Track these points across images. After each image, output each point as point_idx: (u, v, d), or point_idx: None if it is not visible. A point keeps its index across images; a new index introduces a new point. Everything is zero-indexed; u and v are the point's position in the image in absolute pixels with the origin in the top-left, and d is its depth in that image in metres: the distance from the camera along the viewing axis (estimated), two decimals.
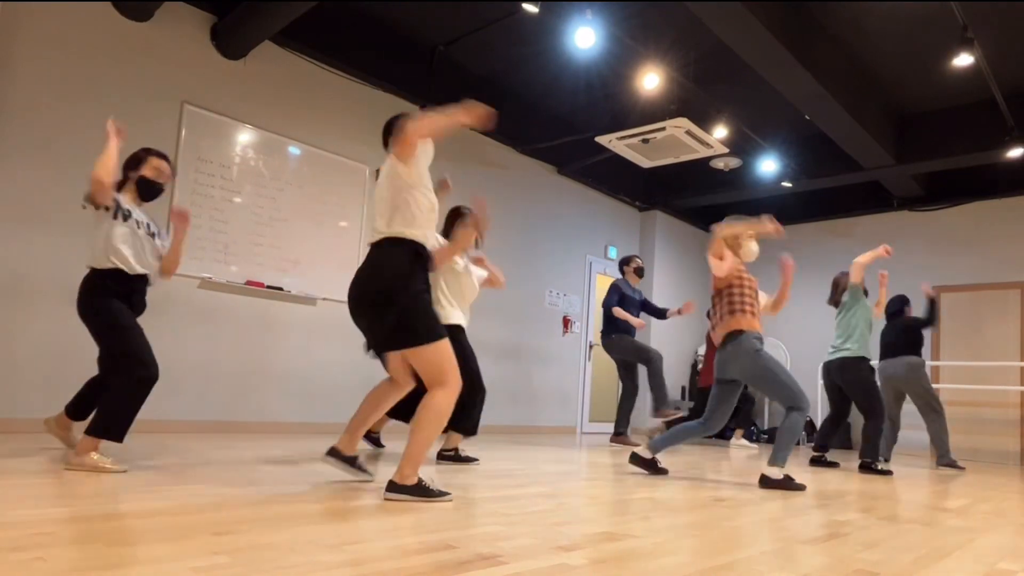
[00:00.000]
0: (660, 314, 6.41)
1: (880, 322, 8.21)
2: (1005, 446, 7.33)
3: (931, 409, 5.56)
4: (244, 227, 5.13)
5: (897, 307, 5.65)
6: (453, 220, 3.92)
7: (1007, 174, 7.49)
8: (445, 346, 2.39)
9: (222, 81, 5.08)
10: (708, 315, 4.03)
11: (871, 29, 5.57)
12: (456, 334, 3.83)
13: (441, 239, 3.73)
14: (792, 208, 9.08)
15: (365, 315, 2.43)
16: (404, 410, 3.91)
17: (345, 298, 5.43)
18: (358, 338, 5.78)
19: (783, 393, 3.51)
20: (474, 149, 6.94)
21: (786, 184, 7.80)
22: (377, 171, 2.79)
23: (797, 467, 4.97)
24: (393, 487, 2.35)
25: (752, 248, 3.89)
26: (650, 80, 5.52)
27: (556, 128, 7.43)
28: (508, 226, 7.26)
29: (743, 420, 7.45)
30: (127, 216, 2.99)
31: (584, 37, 4.89)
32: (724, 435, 8.29)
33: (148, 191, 3.11)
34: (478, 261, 4.11)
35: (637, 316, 6.26)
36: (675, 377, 9.13)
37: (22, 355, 4.10)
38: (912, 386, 5.53)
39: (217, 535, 1.64)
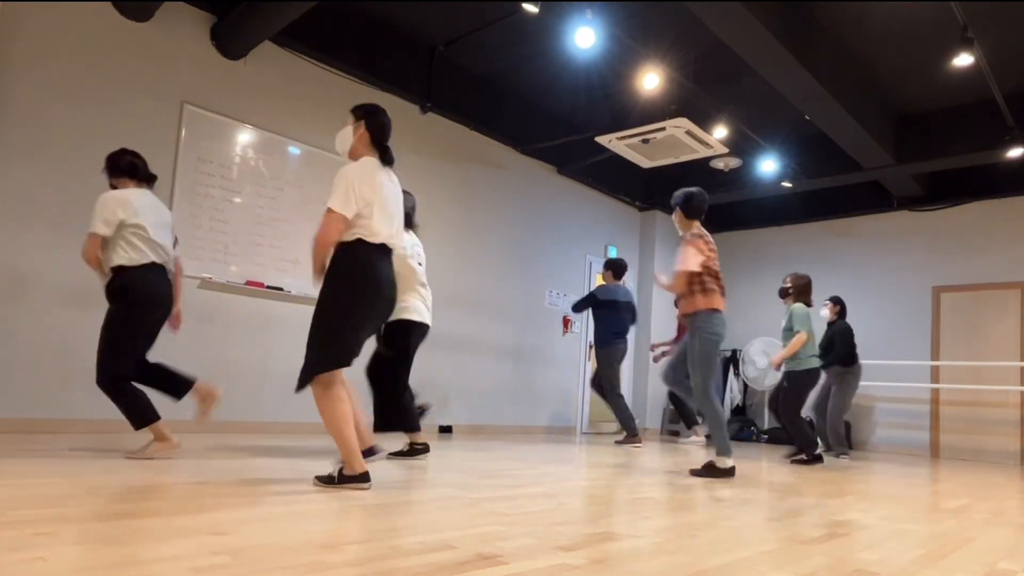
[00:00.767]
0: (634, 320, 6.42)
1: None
2: (1005, 446, 7.33)
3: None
4: (244, 227, 5.13)
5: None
6: None
7: (1007, 174, 7.49)
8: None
9: (222, 81, 5.08)
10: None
11: (871, 29, 5.57)
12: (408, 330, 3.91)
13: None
14: (792, 208, 9.08)
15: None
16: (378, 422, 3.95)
17: None
18: None
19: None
20: (474, 149, 6.94)
21: (786, 184, 7.80)
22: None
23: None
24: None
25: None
26: (650, 80, 5.52)
27: (556, 128, 7.43)
28: (508, 226, 7.26)
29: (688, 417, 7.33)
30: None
31: (584, 37, 4.89)
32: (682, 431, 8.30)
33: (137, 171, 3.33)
34: None
35: (627, 318, 6.26)
36: None
37: (22, 355, 4.10)
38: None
39: (217, 535, 1.64)
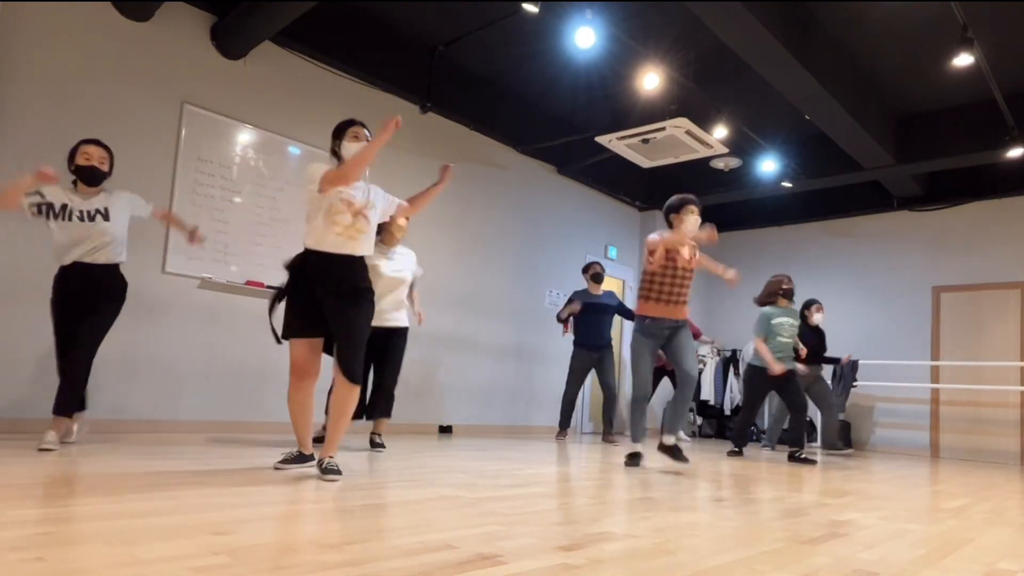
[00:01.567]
0: (631, 316, 6.47)
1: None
2: (1005, 446, 7.33)
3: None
4: (244, 227, 5.13)
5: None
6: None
7: (1007, 174, 7.49)
8: (289, 346, 2.96)
9: (222, 81, 5.08)
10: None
11: (871, 29, 5.57)
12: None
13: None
14: (792, 208, 9.08)
15: None
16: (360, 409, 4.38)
17: None
18: None
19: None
20: (474, 149, 6.94)
21: (786, 184, 7.80)
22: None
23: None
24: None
25: (694, 221, 4.08)
26: (650, 80, 5.52)
27: (556, 128, 7.43)
28: (508, 226, 7.26)
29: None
30: (59, 212, 3.33)
31: (584, 37, 4.89)
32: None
33: (85, 176, 3.39)
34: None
35: (608, 321, 6.35)
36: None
37: (23, 355, 4.10)
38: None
39: (217, 535, 1.64)
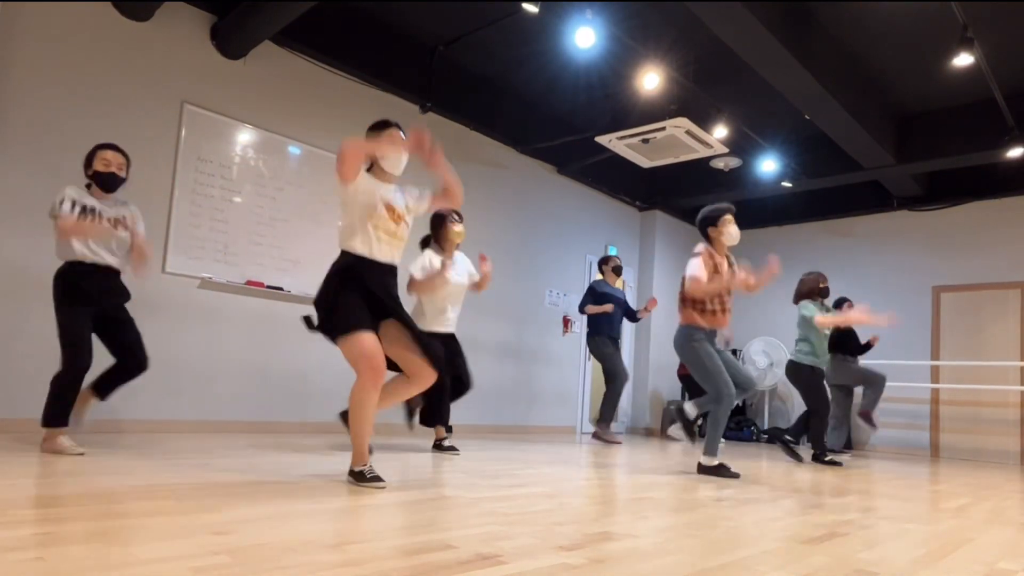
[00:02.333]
0: (633, 317, 6.47)
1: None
2: (1005, 446, 7.33)
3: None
4: (244, 227, 5.13)
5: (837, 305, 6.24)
6: (438, 223, 4.48)
7: (1007, 174, 7.48)
8: (352, 341, 2.64)
9: (222, 81, 5.08)
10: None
11: (871, 29, 5.57)
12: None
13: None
14: (792, 208, 9.08)
15: None
16: (425, 415, 4.41)
17: None
18: None
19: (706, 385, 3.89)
20: (474, 149, 6.94)
21: (786, 184, 7.80)
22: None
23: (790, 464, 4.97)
24: (350, 475, 2.73)
25: (732, 231, 4.05)
26: (650, 80, 5.52)
27: (556, 128, 7.43)
28: (508, 226, 7.26)
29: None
30: (89, 212, 3.30)
31: (584, 37, 4.89)
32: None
33: (104, 183, 3.38)
34: (481, 259, 4.35)
35: (620, 316, 6.35)
36: (671, 376, 9.11)
37: (23, 354, 4.10)
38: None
39: (217, 535, 1.64)
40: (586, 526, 2.06)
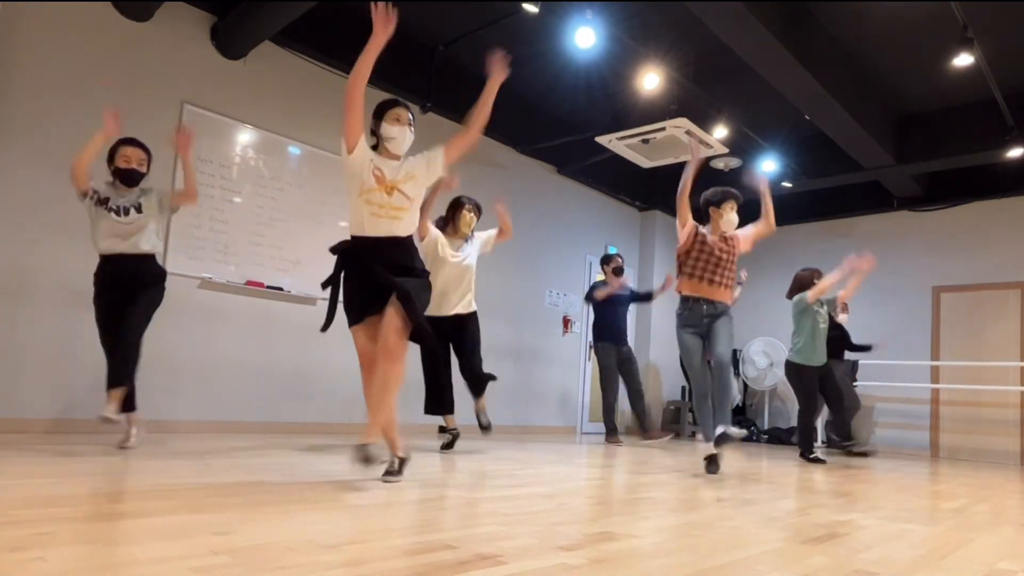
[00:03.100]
0: (647, 298, 6.48)
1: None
2: (1005, 446, 7.33)
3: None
4: (244, 227, 5.13)
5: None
6: (453, 208, 4.49)
7: (1007, 174, 7.48)
8: (353, 336, 2.76)
9: (222, 81, 5.08)
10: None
11: (871, 29, 5.57)
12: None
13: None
14: (792, 208, 9.08)
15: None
16: (432, 405, 4.52)
17: None
18: None
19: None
20: (474, 149, 6.93)
21: (786, 184, 7.80)
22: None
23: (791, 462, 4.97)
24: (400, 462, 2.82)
25: (731, 219, 4.13)
26: (650, 80, 5.52)
27: (556, 128, 7.43)
28: None
29: None
30: (101, 201, 3.49)
31: (584, 37, 4.89)
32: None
33: (125, 179, 3.55)
34: (497, 208, 4.62)
35: (623, 312, 6.35)
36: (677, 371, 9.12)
37: (24, 354, 4.10)
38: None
39: (217, 535, 1.64)
40: (586, 526, 2.06)
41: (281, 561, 1.43)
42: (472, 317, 4.53)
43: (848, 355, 7.03)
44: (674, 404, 8.86)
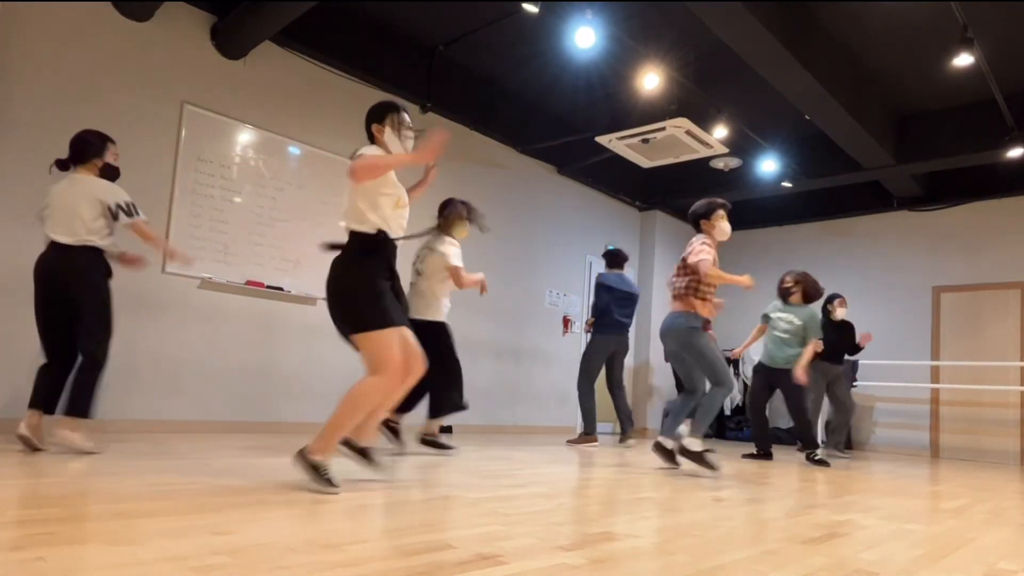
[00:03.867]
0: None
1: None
2: (1005, 446, 7.33)
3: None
4: (244, 227, 5.13)
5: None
6: (449, 209, 4.39)
7: (1007, 174, 7.48)
8: (388, 335, 2.46)
9: (222, 81, 5.08)
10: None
11: (871, 29, 5.57)
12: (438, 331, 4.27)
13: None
14: (792, 208, 9.08)
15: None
16: (406, 403, 4.24)
17: None
18: None
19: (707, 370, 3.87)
20: (474, 149, 6.94)
21: (786, 184, 7.80)
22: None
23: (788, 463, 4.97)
24: (300, 455, 2.47)
25: (724, 227, 4.09)
26: (650, 80, 5.52)
27: (556, 128, 7.43)
28: (508, 226, 7.26)
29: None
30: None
31: (584, 37, 4.89)
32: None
33: (113, 176, 3.52)
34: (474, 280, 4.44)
35: (631, 306, 6.31)
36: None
37: (23, 355, 4.10)
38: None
39: (217, 535, 1.64)
40: (586, 526, 2.06)
41: (281, 561, 1.43)
42: (435, 327, 4.44)
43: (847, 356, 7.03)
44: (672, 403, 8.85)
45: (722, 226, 4.03)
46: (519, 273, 7.36)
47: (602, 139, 6.51)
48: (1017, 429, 7.28)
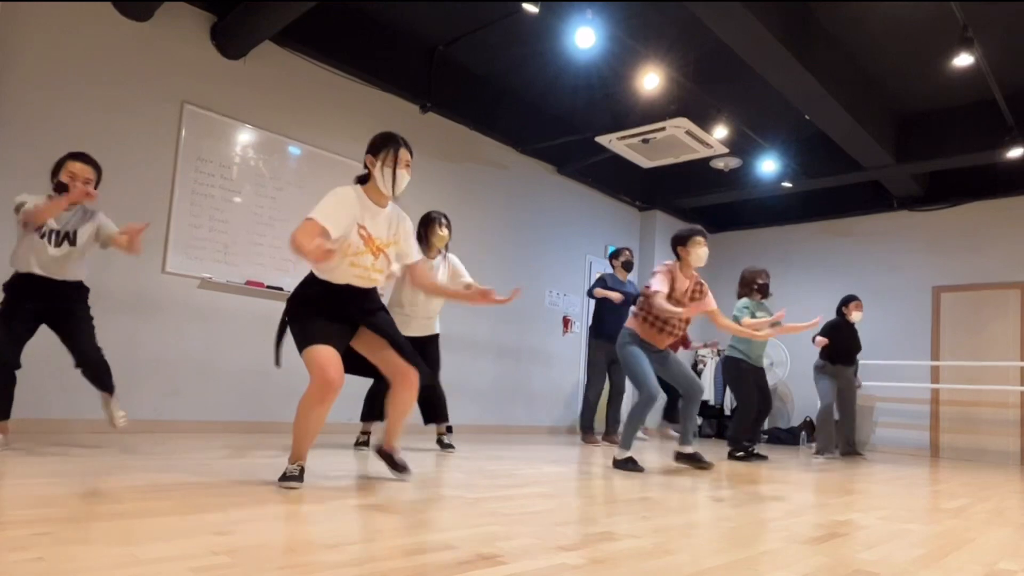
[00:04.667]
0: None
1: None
2: (1005, 446, 7.33)
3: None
4: (244, 227, 5.13)
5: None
6: (424, 225, 4.38)
7: (1007, 174, 7.48)
8: (310, 353, 2.53)
9: (222, 81, 5.08)
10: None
11: (871, 29, 5.57)
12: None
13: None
14: (792, 208, 9.08)
15: None
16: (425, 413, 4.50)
17: None
18: None
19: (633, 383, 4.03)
20: (474, 149, 6.94)
21: (786, 184, 7.80)
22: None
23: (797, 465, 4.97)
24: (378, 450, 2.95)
25: (701, 253, 4.28)
26: (650, 80, 5.52)
27: (556, 128, 7.43)
28: (508, 226, 7.26)
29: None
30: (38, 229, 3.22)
31: (584, 37, 4.89)
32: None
33: (61, 191, 3.22)
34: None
35: (625, 311, 6.30)
36: None
37: (24, 355, 4.09)
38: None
39: (217, 535, 1.64)
40: (586, 526, 2.06)
41: (281, 561, 1.43)
42: (436, 339, 4.50)
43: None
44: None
45: (698, 252, 4.24)
46: (519, 273, 7.36)
47: (602, 139, 6.51)
48: (1017, 429, 7.28)
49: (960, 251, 7.89)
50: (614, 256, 6.40)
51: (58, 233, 3.26)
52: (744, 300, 5.55)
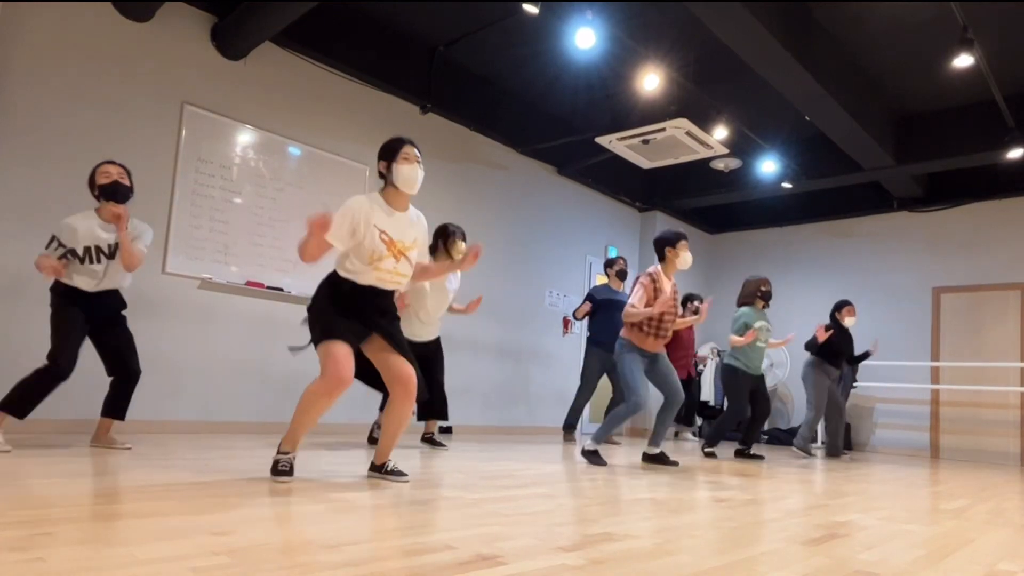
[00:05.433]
0: None
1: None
2: (1005, 446, 7.33)
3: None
4: (244, 227, 5.13)
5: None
6: (441, 236, 4.57)
7: (1007, 174, 7.49)
8: (326, 347, 2.63)
9: (222, 81, 5.08)
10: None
11: (871, 29, 5.57)
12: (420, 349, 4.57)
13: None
14: (792, 208, 9.08)
15: None
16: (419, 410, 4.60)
17: None
18: None
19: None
20: (474, 149, 6.94)
21: (786, 185, 7.80)
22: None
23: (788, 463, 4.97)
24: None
25: (688, 257, 4.36)
26: (650, 81, 5.52)
27: (556, 128, 7.43)
28: (508, 226, 7.26)
29: (688, 418, 7.77)
30: (83, 257, 3.38)
31: (584, 37, 4.89)
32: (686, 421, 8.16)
33: (110, 193, 3.42)
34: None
35: (620, 319, 6.30)
36: None
37: (24, 355, 4.10)
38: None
39: (217, 535, 1.64)
40: (586, 526, 2.06)
41: (281, 561, 1.43)
42: (438, 343, 4.74)
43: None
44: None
45: (684, 256, 4.31)
46: (519, 273, 7.36)
47: (602, 140, 6.51)
48: (1017, 430, 7.28)
49: (960, 252, 7.89)
50: (608, 266, 6.38)
51: (97, 248, 3.42)
52: (745, 309, 5.52)
